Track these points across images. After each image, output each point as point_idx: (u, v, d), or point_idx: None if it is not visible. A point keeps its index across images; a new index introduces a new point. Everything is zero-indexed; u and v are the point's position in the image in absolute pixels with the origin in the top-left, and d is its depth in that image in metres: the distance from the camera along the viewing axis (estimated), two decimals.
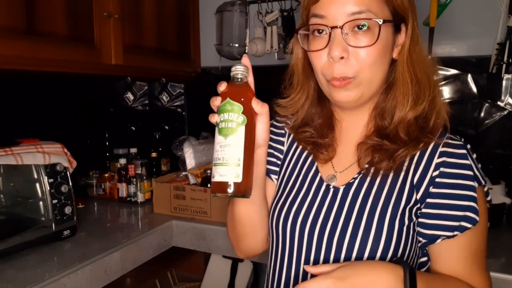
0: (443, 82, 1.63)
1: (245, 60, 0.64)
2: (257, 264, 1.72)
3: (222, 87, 0.64)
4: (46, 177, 1.24)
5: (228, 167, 0.60)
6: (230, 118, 0.61)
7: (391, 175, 0.67)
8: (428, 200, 0.64)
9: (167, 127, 2.25)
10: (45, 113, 1.72)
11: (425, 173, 0.65)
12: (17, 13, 1.14)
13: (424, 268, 0.70)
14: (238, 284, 1.70)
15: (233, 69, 0.63)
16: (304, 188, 0.73)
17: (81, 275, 1.11)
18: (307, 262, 0.68)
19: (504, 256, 1.21)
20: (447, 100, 1.63)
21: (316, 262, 0.67)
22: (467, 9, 1.55)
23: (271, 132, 0.75)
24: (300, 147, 0.77)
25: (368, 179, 0.68)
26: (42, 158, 1.22)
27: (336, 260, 0.65)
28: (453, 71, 1.61)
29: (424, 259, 0.69)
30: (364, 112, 0.71)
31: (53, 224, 1.25)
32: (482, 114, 1.58)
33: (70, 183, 1.30)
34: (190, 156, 1.62)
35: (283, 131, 0.82)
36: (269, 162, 0.77)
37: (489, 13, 1.51)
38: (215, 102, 0.64)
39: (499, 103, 1.55)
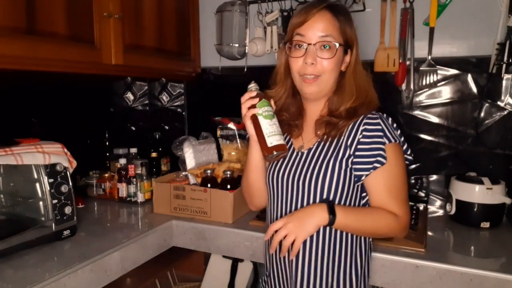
0: (443, 82, 1.63)
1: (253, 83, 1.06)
2: (257, 264, 1.72)
3: (254, 93, 1.02)
4: (46, 177, 1.23)
5: (279, 136, 0.98)
6: (269, 109, 1.00)
7: (335, 140, 1.02)
8: (356, 153, 0.98)
9: (167, 127, 2.25)
10: (45, 113, 1.72)
11: (354, 136, 1.00)
12: (17, 13, 1.14)
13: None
14: (238, 284, 1.70)
15: (252, 85, 1.04)
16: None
17: (81, 275, 1.11)
18: (286, 202, 1.05)
19: (504, 256, 1.21)
20: (447, 100, 1.63)
21: (291, 200, 1.03)
22: (467, 9, 1.55)
23: None
24: None
25: (322, 143, 1.03)
26: (42, 158, 1.22)
27: (306, 195, 1.01)
28: (453, 71, 1.61)
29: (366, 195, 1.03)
30: (321, 104, 1.07)
31: (53, 224, 1.24)
32: (482, 114, 1.58)
33: (70, 183, 1.30)
34: (190, 156, 1.62)
35: None
36: None
37: (489, 13, 1.52)
38: (253, 101, 1.00)
39: (499, 103, 1.55)
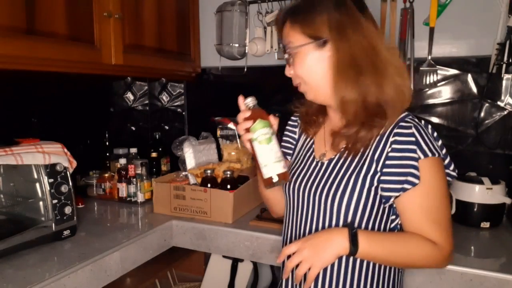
0: (443, 82, 1.63)
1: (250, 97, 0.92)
2: (257, 264, 1.72)
3: (248, 113, 0.89)
4: (46, 177, 1.23)
5: (277, 163, 0.86)
6: (265, 131, 0.86)
7: (366, 152, 0.87)
8: (384, 169, 0.84)
9: (167, 127, 2.25)
10: (45, 113, 1.72)
11: (383, 150, 0.85)
12: (18, 12, 1.14)
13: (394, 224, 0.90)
14: (238, 284, 1.70)
15: (248, 100, 0.90)
16: (303, 163, 0.99)
17: (81, 275, 1.11)
18: (302, 215, 0.94)
19: (504, 256, 1.21)
20: (447, 100, 1.63)
21: (307, 215, 0.92)
22: (467, 9, 1.55)
23: (288, 125, 1.10)
24: (305, 136, 1.04)
25: (345, 155, 0.89)
26: (42, 158, 1.21)
27: (323, 211, 0.89)
28: (453, 71, 1.61)
29: (396, 218, 0.90)
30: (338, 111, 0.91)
31: (53, 224, 1.24)
32: (482, 114, 1.58)
33: (70, 183, 1.30)
34: (190, 156, 1.62)
35: (296, 123, 1.09)
36: (285, 147, 1.08)
37: (489, 13, 1.52)
38: (247, 124, 0.88)
39: (499, 103, 1.55)
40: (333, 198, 0.88)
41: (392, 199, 0.85)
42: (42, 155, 1.22)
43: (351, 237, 0.81)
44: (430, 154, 0.83)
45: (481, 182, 1.41)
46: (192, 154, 1.62)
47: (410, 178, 0.82)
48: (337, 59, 0.84)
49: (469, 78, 1.59)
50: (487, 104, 1.57)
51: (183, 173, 1.65)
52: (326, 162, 0.93)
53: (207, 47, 1.98)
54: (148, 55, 1.64)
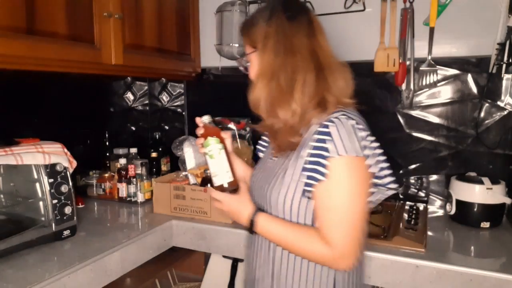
0: (443, 82, 1.63)
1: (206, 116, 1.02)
2: None
3: (201, 130, 1.00)
4: (46, 177, 1.23)
5: (223, 174, 0.96)
6: (213, 148, 0.97)
7: (295, 151, 0.91)
8: (304, 165, 0.87)
9: (167, 127, 2.25)
10: (45, 113, 1.72)
11: (307, 145, 0.87)
12: (18, 12, 1.14)
13: None
14: (238, 284, 1.70)
15: (204, 118, 1.01)
16: (261, 163, 1.08)
17: (81, 275, 1.11)
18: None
19: (504, 256, 1.21)
20: (447, 100, 1.63)
21: (258, 205, 0.98)
22: (467, 9, 1.55)
23: (262, 140, 1.14)
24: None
25: (284, 154, 0.95)
26: (42, 158, 1.22)
27: (264, 204, 0.96)
28: (453, 71, 1.61)
29: None
30: None
31: (53, 224, 1.24)
32: (482, 114, 1.58)
33: (70, 183, 1.30)
34: (190, 156, 1.62)
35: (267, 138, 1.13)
36: (261, 151, 1.14)
37: (489, 13, 1.52)
38: (201, 140, 0.99)
39: (499, 103, 1.55)
40: (271, 193, 0.93)
41: (306, 193, 0.88)
42: (42, 155, 1.22)
43: (253, 216, 0.93)
44: (343, 153, 0.82)
45: (481, 182, 1.41)
46: (192, 154, 1.62)
47: (314, 174, 0.84)
48: (260, 67, 0.92)
49: (469, 78, 1.59)
50: (487, 104, 1.57)
51: (183, 173, 1.65)
52: (274, 160, 1.00)
53: (207, 47, 1.98)
54: (148, 55, 1.63)
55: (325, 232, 0.85)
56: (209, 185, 1.08)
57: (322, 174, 0.83)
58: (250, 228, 0.94)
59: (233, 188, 0.97)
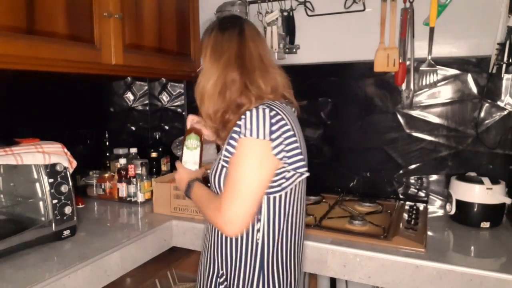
0: (443, 82, 1.63)
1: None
2: None
3: (189, 126, 1.23)
4: (46, 177, 1.23)
5: (191, 164, 1.20)
6: (192, 142, 1.19)
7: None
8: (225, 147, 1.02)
9: (167, 127, 2.25)
10: (45, 113, 1.72)
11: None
12: (18, 12, 1.14)
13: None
14: None
15: (192, 118, 1.24)
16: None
17: (81, 275, 1.11)
18: None
19: (504, 256, 1.21)
20: (447, 100, 1.63)
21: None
22: (467, 9, 1.55)
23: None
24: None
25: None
26: (42, 158, 1.22)
27: (216, 186, 1.07)
28: (453, 71, 1.61)
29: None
30: None
31: (53, 224, 1.25)
32: (482, 114, 1.58)
33: (70, 183, 1.30)
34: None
35: None
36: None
37: (489, 13, 1.52)
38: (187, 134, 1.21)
39: (499, 103, 1.55)
40: (213, 175, 1.07)
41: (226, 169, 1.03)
42: (42, 155, 1.22)
43: (191, 182, 1.14)
44: (249, 135, 0.95)
45: (481, 182, 1.41)
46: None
47: (227, 153, 1.00)
48: (203, 71, 1.10)
49: (469, 78, 1.59)
50: (487, 104, 1.57)
51: None
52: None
53: None
54: (148, 55, 1.63)
55: (220, 200, 0.99)
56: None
57: (230, 152, 0.99)
58: (186, 192, 1.14)
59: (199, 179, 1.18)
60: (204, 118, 1.10)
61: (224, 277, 1.07)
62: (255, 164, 0.96)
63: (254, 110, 0.96)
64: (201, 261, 1.17)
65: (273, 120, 0.96)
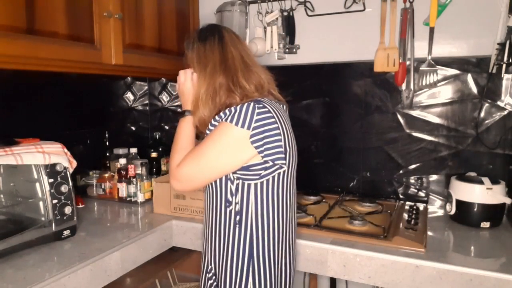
0: (443, 82, 1.63)
1: None
2: None
3: None
4: (46, 177, 1.23)
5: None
6: None
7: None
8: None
9: (167, 127, 2.25)
10: (45, 113, 1.72)
11: None
12: (18, 12, 1.14)
13: None
14: None
15: None
16: None
17: (81, 275, 1.11)
18: None
19: (504, 256, 1.21)
20: (447, 100, 1.63)
21: None
22: (467, 9, 1.55)
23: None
24: None
25: None
26: (42, 158, 1.22)
27: None
28: (453, 71, 1.61)
29: None
30: None
31: (53, 224, 1.24)
32: (482, 114, 1.58)
33: (70, 183, 1.30)
34: None
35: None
36: None
37: (489, 13, 1.52)
38: None
39: (499, 103, 1.55)
40: None
41: None
42: (42, 155, 1.22)
43: (186, 111, 1.20)
44: (229, 121, 1.03)
45: (481, 182, 1.41)
46: None
47: (208, 131, 1.08)
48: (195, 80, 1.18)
49: (469, 78, 1.59)
50: (487, 104, 1.57)
51: None
52: None
53: None
54: (148, 55, 1.63)
55: (183, 158, 1.10)
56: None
57: (210, 130, 1.07)
58: (183, 113, 1.19)
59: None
60: (197, 121, 1.15)
61: (213, 271, 1.11)
62: (224, 145, 1.04)
63: (241, 104, 1.03)
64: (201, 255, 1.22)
65: (258, 112, 1.02)
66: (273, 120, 1.03)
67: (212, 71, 1.11)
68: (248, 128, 1.01)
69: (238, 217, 1.07)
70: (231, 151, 1.03)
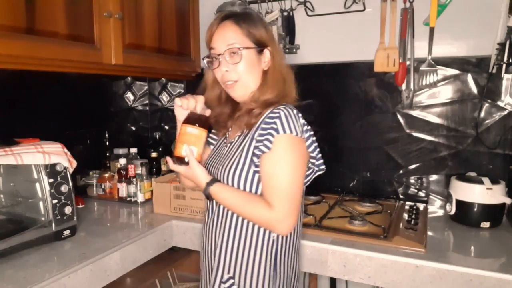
0: (443, 82, 1.63)
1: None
2: None
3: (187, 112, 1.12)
4: (46, 177, 1.23)
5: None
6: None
7: (251, 132, 1.04)
8: (255, 143, 1.01)
9: (167, 127, 2.25)
10: (45, 113, 1.72)
11: (258, 128, 1.02)
12: (18, 12, 1.14)
13: None
14: None
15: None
16: (216, 149, 1.18)
17: (81, 275, 1.11)
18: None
19: (504, 256, 1.21)
20: (447, 100, 1.63)
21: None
22: (467, 9, 1.55)
23: (212, 134, 1.25)
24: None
25: (241, 136, 1.08)
26: (42, 158, 1.22)
27: (224, 179, 1.06)
28: (453, 71, 1.61)
29: None
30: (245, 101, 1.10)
31: (53, 224, 1.24)
32: (482, 114, 1.58)
33: (70, 183, 1.30)
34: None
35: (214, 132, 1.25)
36: (211, 143, 1.23)
37: (489, 13, 1.52)
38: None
39: (499, 103, 1.55)
40: (228, 171, 1.04)
41: (253, 166, 1.01)
42: (42, 155, 1.22)
43: (210, 181, 1.04)
44: (287, 132, 0.97)
45: (481, 182, 1.41)
46: None
47: (261, 147, 0.99)
48: (272, 66, 1.08)
49: (469, 78, 1.59)
50: (487, 104, 1.57)
51: None
52: (228, 144, 1.12)
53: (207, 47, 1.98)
54: (148, 55, 1.63)
55: (268, 197, 0.98)
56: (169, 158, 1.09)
57: (268, 147, 0.98)
58: (207, 193, 1.04)
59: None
60: (261, 95, 1.06)
61: (233, 281, 1.05)
62: (297, 160, 0.99)
63: (284, 109, 1.00)
64: (203, 265, 1.14)
65: (301, 119, 1.02)
66: (308, 126, 1.04)
67: (281, 61, 1.10)
68: (302, 135, 1.00)
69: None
70: (302, 163, 1.01)
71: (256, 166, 1.01)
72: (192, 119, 1.05)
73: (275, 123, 0.98)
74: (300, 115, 1.03)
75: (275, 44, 1.10)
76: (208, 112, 1.10)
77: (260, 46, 1.07)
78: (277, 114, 0.99)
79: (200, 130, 1.04)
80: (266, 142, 0.98)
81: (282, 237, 1.05)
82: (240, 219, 1.05)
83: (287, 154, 0.98)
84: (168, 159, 1.07)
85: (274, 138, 0.98)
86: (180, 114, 1.09)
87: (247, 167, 1.02)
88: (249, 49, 1.05)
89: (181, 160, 1.04)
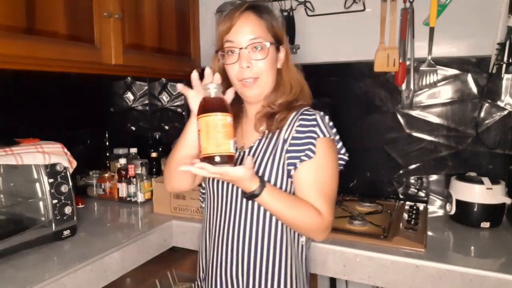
0: (443, 82, 1.63)
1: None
2: None
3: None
4: (46, 177, 1.23)
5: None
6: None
7: (275, 136, 1.01)
8: (289, 147, 0.98)
9: (167, 127, 2.25)
10: (45, 113, 1.72)
11: (290, 131, 0.99)
12: (17, 12, 1.14)
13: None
14: None
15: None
16: None
17: (81, 275, 1.11)
18: (226, 201, 1.03)
19: (504, 256, 1.21)
20: (447, 100, 1.63)
21: (231, 199, 1.02)
22: (467, 9, 1.55)
23: None
24: None
25: (263, 140, 1.03)
26: (42, 158, 1.22)
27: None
28: (453, 71, 1.61)
29: None
30: (261, 103, 1.05)
31: (53, 224, 1.24)
32: (482, 114, 1.58)
33: (70, 183, 1.30)
34: None
35: None
36: None
37: (489, 13, 1.52)
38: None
39: (499, 103, 1.55)
40: (265, 173, 0.98)
41: (292, 171, 0.97)
42: (42, 155, 1.22)
43: (261, 182, 0.91)
44: (327, 135, 0.97)
45: (481, 182, 1.41)
46: None
47: (308, 152, 0.95)
48: (286, 65, 1.04)
49: (469, 78, 1.59)
50: (487, 104, 1.57)
51: None
52: (246, 151, 1.04)
53: (207, 47, 1.98)
54: (148, 55, 1.63)
55: (316, 203, 0.95)
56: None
57: (313, 152, 0.95)
58: (258, 193, 0.91)
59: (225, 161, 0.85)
60: (278, 97, 1.02)
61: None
62: (335, 164, 1.00)
63: (316, 114, 0.99)
64: (208, 274, 1.07)
65: (327, 119, 1.02)
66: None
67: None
68: (334, 135, 1.02)
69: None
70: (337, 164, 1.02)
71: (290, 169, 0.97)
72: (219, 105, 0.85)
73: (313, 126, 0.96)
74: (327, 117, 1.03)
75: (287, 41, 1.06)
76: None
77: (278, 42, 1.02)
78: (314, 117, 0.97)
79: (231, 116, 0.86)
80: (310, 149, 0.95)
81: (307, 241, 1.06)
82: (268, 223, 0.98)
83: (328, 158, 0.97)
84: (205, 165, 0.84)
85: (316, 143, 0.95)
86: (196, 103, 0.95)
87: (281, 171, 0.98)
88: (272, 45, 0.99)
89: (215, 160, 0.83)
